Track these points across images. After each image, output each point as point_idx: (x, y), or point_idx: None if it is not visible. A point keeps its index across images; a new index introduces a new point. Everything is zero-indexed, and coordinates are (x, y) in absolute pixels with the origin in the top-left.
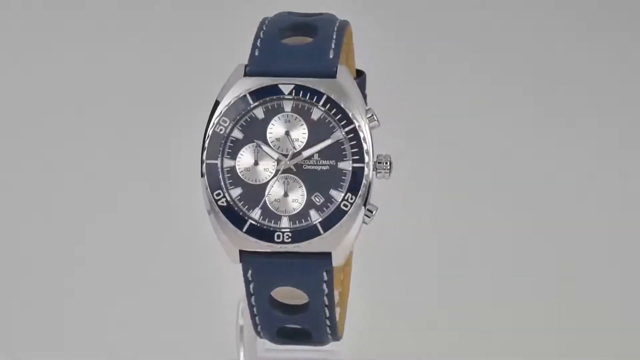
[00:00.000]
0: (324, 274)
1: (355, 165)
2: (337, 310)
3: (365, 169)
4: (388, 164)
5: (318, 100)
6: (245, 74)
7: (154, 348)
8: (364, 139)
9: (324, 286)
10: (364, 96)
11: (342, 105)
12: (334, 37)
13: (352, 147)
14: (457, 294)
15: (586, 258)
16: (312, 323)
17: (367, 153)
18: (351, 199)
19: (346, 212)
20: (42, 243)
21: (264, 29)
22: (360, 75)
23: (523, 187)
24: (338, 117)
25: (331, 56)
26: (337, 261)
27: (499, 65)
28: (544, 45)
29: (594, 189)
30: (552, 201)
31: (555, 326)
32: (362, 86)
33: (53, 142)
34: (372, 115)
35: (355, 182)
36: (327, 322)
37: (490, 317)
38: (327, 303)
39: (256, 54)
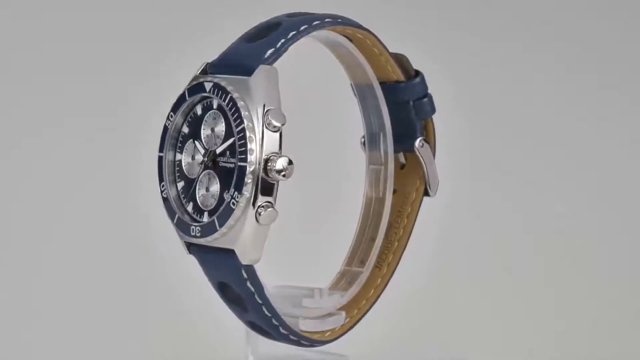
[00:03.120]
0: (243, 271)
1: (240, 164)
2: (342, 313)
3: (248, 168)
4: (275, 164)
5: (225, 99)
6: (203, 72)
7: (158, 348)
8: (250, 138)
9: (248, 284)
10: (428, 97)
11: (238, 105)
12: (289, 36)
13: (240, 146)
14: (462, 296)
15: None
16: (258, 320)
17: (251, 153)
18: (237, 197)
19: (233, 209)
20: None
21: (253, 30)
22: (417, 75)
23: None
24: (235, 116)
25: (266, 55)
26: (243, 259)
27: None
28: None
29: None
30: None
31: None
32: (421, 87)
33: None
34: (270, 121)
35: (240, 180)
36: (274, 321)
37: (492, 318)
38: (261, 301)
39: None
